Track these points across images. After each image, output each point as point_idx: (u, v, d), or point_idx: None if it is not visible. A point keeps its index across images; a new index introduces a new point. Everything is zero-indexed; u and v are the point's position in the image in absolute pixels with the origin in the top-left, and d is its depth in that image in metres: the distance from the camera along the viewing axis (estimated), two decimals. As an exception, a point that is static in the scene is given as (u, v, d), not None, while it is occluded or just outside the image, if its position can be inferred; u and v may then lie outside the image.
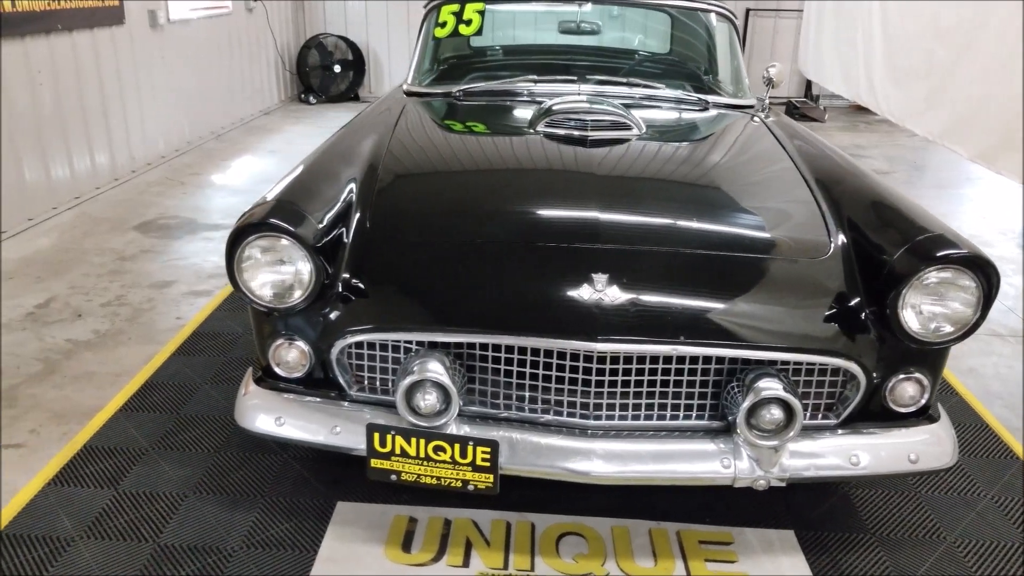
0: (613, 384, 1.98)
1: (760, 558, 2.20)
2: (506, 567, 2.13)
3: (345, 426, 2.03)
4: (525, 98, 3.21)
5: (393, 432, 1.94)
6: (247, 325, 3.41)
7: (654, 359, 1.96)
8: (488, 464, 1.93)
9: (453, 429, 1.97)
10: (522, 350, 1.98)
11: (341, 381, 2.09)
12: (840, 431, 2.07)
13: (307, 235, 1.99)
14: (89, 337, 3.36)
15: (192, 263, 4.22)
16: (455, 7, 3.51)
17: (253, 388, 2.15)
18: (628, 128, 2.72)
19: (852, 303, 2.04)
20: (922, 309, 1.96)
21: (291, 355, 2.09)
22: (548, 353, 1.97)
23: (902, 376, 2.05)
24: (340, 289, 2.05)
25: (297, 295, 2.00)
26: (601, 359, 1.94)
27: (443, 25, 3.52)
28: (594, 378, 1.96)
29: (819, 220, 2.26)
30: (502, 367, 2.01)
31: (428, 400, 1.91)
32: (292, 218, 2.00)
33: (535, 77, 3.30)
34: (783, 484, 1.99)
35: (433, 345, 2.00)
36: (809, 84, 9.35)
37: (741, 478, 1.96)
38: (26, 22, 4.62)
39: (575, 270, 1.99)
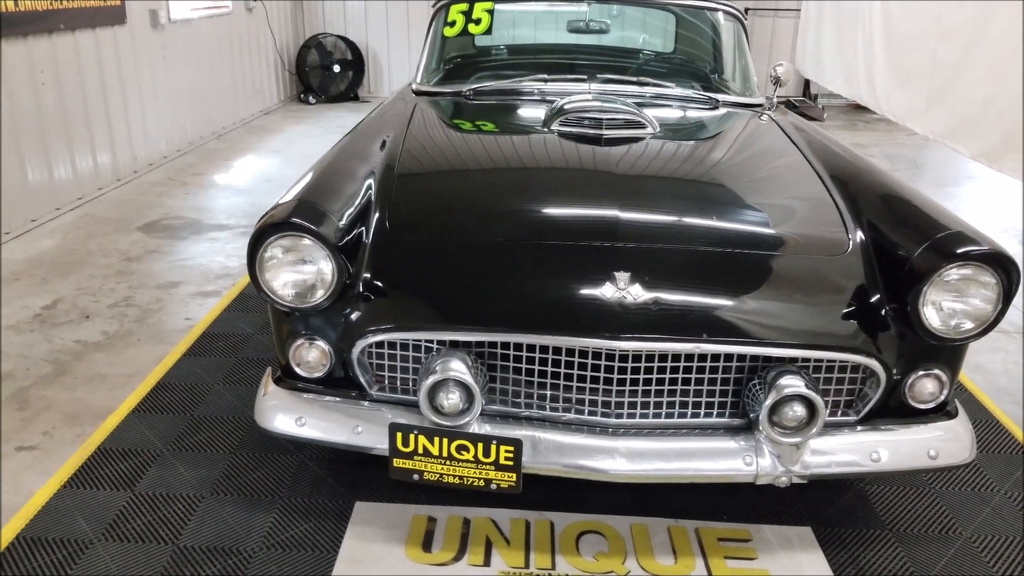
0: (634, 382, 1.99)
1: (779, 555, 2.20)
2: (527, 566, 2.13)
3: (367, 426, 2.03)
4: (536, 97, 3.21)
5: (416, 431, 1.94)
6: (257, 325, 3.42)
7: (676, 357, 1.96)
8: (511, 463, 1.93)
9: (475, 428, 1.97)
10: (544, 348, 1.98)
11: (361, 381, 2.09)
12: (859, 428, 2.08)
13: (329, 234, 1.99)
14: (98, 338, 3.34)
15: (199, 263, 4.21)
16: (464, 6, 3.51)
17: (273, 388, 2.14)
18: (642, 127, 2.72)
19: (872, 300, 2.04)
20: (943, 306, 1.97)
21: (311, 355, 2.09)
22: (570, 351, 1.97)
23: (921, 373, 2.06)
24: (361, 289, 2.05)
25: (319, 295, 1.99)
26: (623, 357, 1.94)
27: (452, 24, 3.52)
28: (616, 376, 1.97)
29: (836, 217, 2.27)
30: (523, 365, 2.01)
31: (451, 399, 1.91)
32: (314, 217, 2.00)
33: (545, 76, 3.30)
34: (804, 481, 2.00)
35: (454, 344, 2.00)
36: (807, 83, 9.37)
37: (763, 475, 1.97)
38: (28, 22, 4.60)
39: (597, 268, 1.99)
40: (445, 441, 1.94)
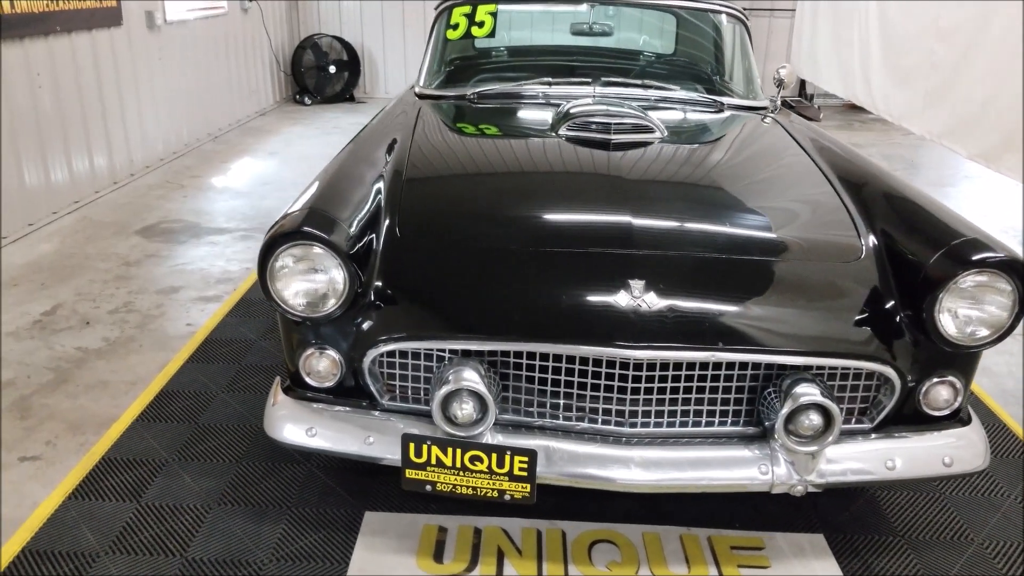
0: (648, 391, 1.97)
1: (792, 563, 2.19)
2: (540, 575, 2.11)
3: (379, 437, 2.00)
4: (540, 100, 3.19)
5: (429, 442, 1.92)
6: (260, 331, 3.39)
7: (690, 365, 1.95)
8: (526, 474, 1.91)
9: (488, 438, 1.95)
10: (558, 357, 1.96)
11: (372, 390, 2.07)
12: (874, 435, 2.07)
13: (340, 242, 1.96)
14: (99, 345, 3.31)
15: (199, 268, 4.18)
16: (467, 8, 3.49)
17: (282, 398, 2.12)
18: (650, 131, 2.71)
19: (887, 306, 2.03)
20: (959, 313, 1.96)
21: (322, 364, 2.07)
22: (584, 360, 1.95)
23: (936, 380, 2.05)
24: (372, 297, 2.02)
25: (331, 304, 1.97)
26: (638, 366, 1.92)
27: (455, 27, 3.49)
28: (630, 385, 1.95)
29: (848, 222, 2.26)
30: (536, 374, 1.99)
31: (465, 409, 1.89)
32: (325, 225, 1.97)
33: (549, 79, 3.28)
34: (819, 490, 1.99)
35: (467, 353, 1.98)
36: (803, 83, 9.37)
37: (779, 484, 1.95)
38: (25, 24, 4.55)
39: (611, 276, 1.98)
40: (458, 452, 1.92)
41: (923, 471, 2.04)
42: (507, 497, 1.95)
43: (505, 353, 1.98)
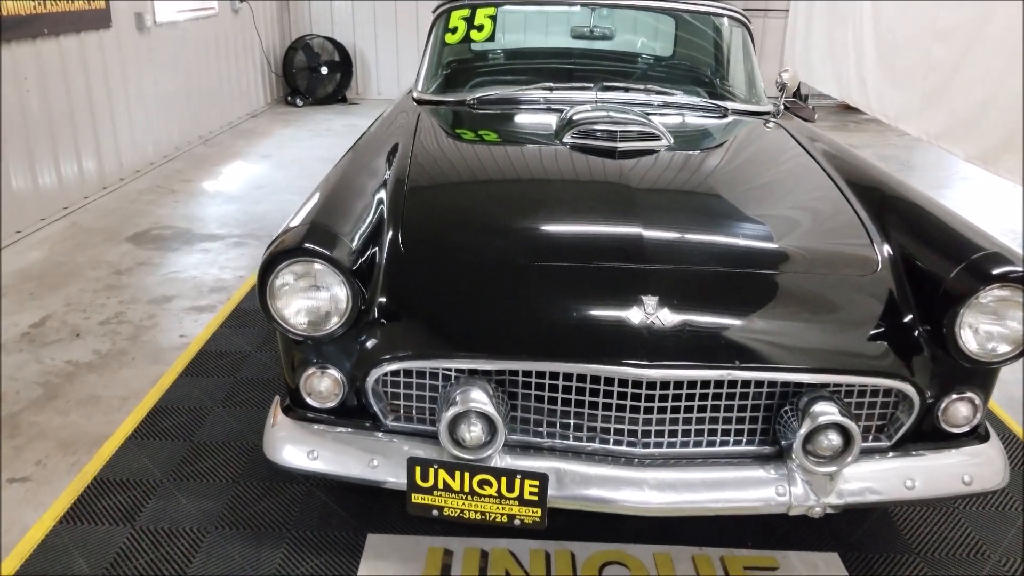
0: (662, 410, 1.91)
1: (807, 583, 2.14)
2: (550, 600, 2.05)
3: (383, 460, 1.93)
4: (541, 106, 3.12)
5: (436, 466, 1.85)
6: (255, 343, 3.31)
7: (705, 384, 1.89)
8: (536, 498, 1.84)
9: (496, 461, 1.88)
10: (568, 376, 1.89)
11: (376, 410, 2.00)
12: (892, 453, 2.01)
13: (343, 258, 1.89)
14: (90, 358, 3.22)
15: (191, 276, 4.09)
16: (465, 12, 3.41)
17: (282, 419, 2.04)
18: (656, 139, 2.65)
19: (905, 321, 1.98)
20: (979, 329, 1.91)
21: (323, 384, 1.99)
22: (595, 379, 1.89)
23: (955, 396, 2.00)
24: (375, 315, 1.95)
25: (333, 322, 1.89)
26: (651, 385, 1.86)
27: (454, 31, 3.42)
28: (643, 404, 1.89)
29: (863, 233, 2.21)
30: (546, 394, 1.93)
31: (474, 432, 1.82)
32: (327, 241, 1.90)
33: (551, 84, 3.22)
34: (838, 511, 1.94)
35: (474, 372, 1.91)
36: (798, 83, 9.35)
37: (797, 506, 1.90)
38: (12, 27, 4.44)
39: (623, 292, 1.91)
40: (467, 475, 1.85)
41: (943, 490, 1.99)
42: (517, 522, 1.88)
43: (514, 372, 1.91)
